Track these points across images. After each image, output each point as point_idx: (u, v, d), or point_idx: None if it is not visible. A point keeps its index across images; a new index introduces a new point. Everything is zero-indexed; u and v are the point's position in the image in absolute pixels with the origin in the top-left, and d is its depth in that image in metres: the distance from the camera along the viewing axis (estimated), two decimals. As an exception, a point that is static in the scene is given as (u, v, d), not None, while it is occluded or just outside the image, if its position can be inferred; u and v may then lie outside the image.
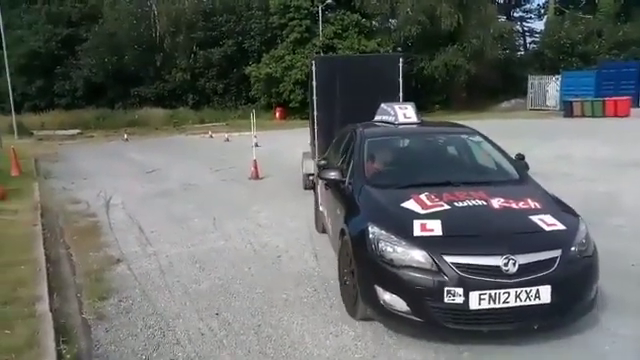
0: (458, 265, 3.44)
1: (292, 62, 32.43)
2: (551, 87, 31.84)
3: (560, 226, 3.78)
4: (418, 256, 3.53)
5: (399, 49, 33.07)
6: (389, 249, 3.65)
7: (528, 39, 47.56)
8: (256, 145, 16.14)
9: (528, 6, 47.72)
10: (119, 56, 36.00)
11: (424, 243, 3.58)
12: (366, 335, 3.85)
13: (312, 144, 10.16)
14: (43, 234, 6.46)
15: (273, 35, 35.61)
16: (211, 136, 23.34)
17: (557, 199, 4.38)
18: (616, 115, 23.84)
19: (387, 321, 3.79)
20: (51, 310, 4.04)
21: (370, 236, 3.79)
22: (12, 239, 6.20)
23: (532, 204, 4.03)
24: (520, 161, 5.11)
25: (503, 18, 41.33)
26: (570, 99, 26.63)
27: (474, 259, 3.46)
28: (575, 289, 3.62)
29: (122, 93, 36.46)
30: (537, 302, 3.42)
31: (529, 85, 32.99)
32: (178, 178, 11.82)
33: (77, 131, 29.43)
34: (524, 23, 47.75)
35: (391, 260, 3.61)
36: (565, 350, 3.57)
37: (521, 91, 33.98)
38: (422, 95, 33.09)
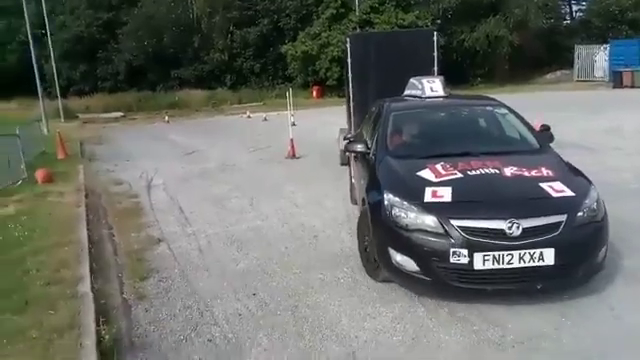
0: (464, 228, 3.67)
1: (328, 39, 31.96)
2: (599, 57, 30.29)
3: (568, 192, 3.95)
4: (428, 220, 3.78)
5: (438, 21, 32.02)
6: (402, 214, 3.92)
7: (574, 7, 45.08)
8: (293, 124, 16.09)
9: (577, -27, 45.15)
10: (158, 39, 36.38)
11: (434, 208, 3.84)
12: (405, 317, 3.77)
13: (348, 120, 10.16)
14: (87, 215, 6.63)
15: (308, 12, 35.14)
16: (249, 116, 23.39)
17: (573, 167, 4.54)
18: (669, 84, 22.51)
19: (400, 280, 4.06)
20: (92, 291, 4.14)
21: (385, 203, 4.06)
22: (57, 221, 6.40)
23: (545, 172, 4.20)
24: (543, 132, 5.28)
25: (547, -14, 39.35)
26: (619, 69, 25.31)
27: (479, 222, 3.69)
28: (580, 252, 3.77)
29: (162, 75, 36.92)
30: (540, 264, 3.62)
31: (575, 55, 31.49)
32: (217, 159, 11.90)
33: (120, 114, 30.11)
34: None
35: (404, 225, 3.88)
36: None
37: (567, 62, 32.46)
38: (463, 69, 32.17)
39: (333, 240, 5.51)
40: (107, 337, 3.45)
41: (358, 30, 29.45)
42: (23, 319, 3.73)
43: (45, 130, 20.49)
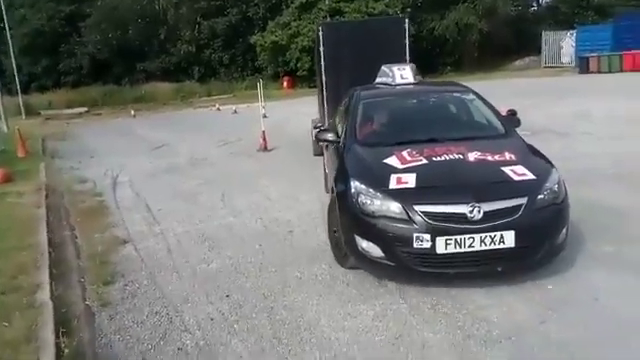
0: (427, 213, 3.72)
1: (298, 29, 31.56)
2: (566, 43, 30.70)
3: (529, 176, 4.01)
4: (393, 207, 3.83)
5: (408, 10, 31.93)
6: (368, 202, 3.96)
7: (542, -5, 45.69)
8: (264, 116, 15.81)
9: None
10: (123, 31, 35.40)
11: (398, 195, 3.89)
12: (386, 315, 3.60)
13: (321, 111, 10.06)
14: (47, 216, 6.25)
15: (278, 1, 34.62)
16: (218, 109, 22.95)
17: (536, 151, 4.63)
18: (635, 69, 22.94)
19: (366, 266, 4.12)
20: (52, 299, 3.83)
21: (352, 190, 4.10)
22: (16, 223, 6.01)
23: (508, 156, 4.27)
24: (509, 117, 5.34)
25: (514, -28, 39.61)
26: (585, 55, 25.70)
27: (442, 207, 3.74)
28: (540, 234, 3.82)
29: (128, 69, 35.96)
30: (501, 246, 3.67)
31: (543, 42, 31.83)
32: (186, 153, 11.56)
33: (84, 109, 29.19)
34: (537, -23, 45.75)
35: (369, 212, 3.92)
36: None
37: (535, 48, 32.81)
38: (433, 57, 32.24)
39: (309, 235, 5.30)
40: (67, 350, 3.17)
41: (328, 19, 29.15)
42: (-28, 334, 3.41)
43: (4, 127, 19.66)
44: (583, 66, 25.05)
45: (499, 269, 3.77)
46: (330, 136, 5.39)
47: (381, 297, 3.87)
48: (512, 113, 5.50)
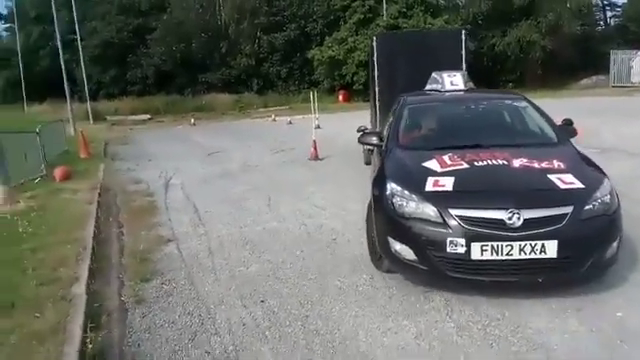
0: (462, 217, 3.58)
1: (355, 44, 31.60)
2: (636, 62, 29.16)
3: (578, 184, 3.81)
4: (427, 209, 3.72)
5: (468, 26, 31.33)
6: (403, 203, 3.87)
7: (609, 13, 43.61)
8: (318, 127, 15.75)
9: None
10: (186, 44, 36.69)
11: (433, 197, 3.78)
12: (431, 333, 3.30)
13: (372, 121, 10.00)
14: (97, 213, 6.34)
15: (336, 17, 34.92)
16: (274, 119, 23.24)
17: (589, 160, 4.40)
18: None
19: (399, 269, 4.00)
20: (87, 292, 3.79)
21: (387, 192, 4.02)
22: (66, 218, 6.14)
23: (557, 164, 4.08)
24: (564, 126, 5.12)
25: (581, -9, 38.05)
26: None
27: (479, 212, 3.59)
28: (586, 246, 3.60)
29: (190, 80, 37.18)
30: (542, 256, 3.48)
31: (611, 61, 30.33)
32: (239, 160, 11.63)
33: (147, 116, 30.33)
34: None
35: (404, 214, 3.83)
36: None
37: (602, 68, 31.28)
38: (494, 74, 31.37)
39: (353, 244, 5.06)
40: (92, 345, 3.09)
41: (386, 34, 28.99)
42: (4, 322, 3.39)
43: (72, 131, 20.65)
44: (656, 86, 23.59)
45: (540, 280, 3.57)
46: (374, 139, 5.33)
47: (426, 313, 3.58)
48: (568, 123, 5.28)
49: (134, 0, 39.13)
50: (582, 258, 3.58)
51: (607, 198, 3.79)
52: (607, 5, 43.16)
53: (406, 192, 3.92)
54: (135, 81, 38.37)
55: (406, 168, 4.38)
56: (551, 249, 3.47)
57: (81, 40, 35.89)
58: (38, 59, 39.72)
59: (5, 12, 45.65)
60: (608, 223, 3.74)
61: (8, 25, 45.79)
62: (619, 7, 40.60)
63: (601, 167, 4.29)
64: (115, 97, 35.94)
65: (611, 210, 3.77)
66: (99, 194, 7.65)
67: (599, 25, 41.63)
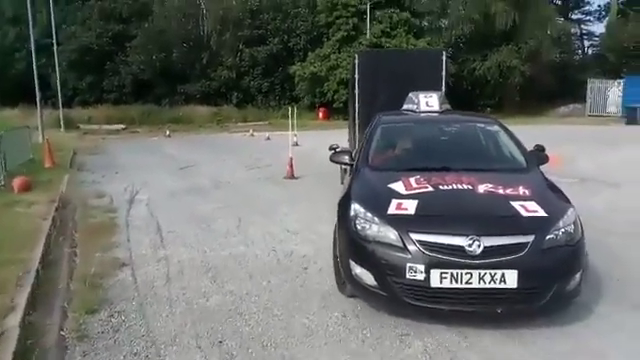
0: (423, 243, 3.48)
1: (337, 61, 31.59)
2: (612, 92, 29.72)
3: (541, 213, 3.71)
4: (389, 233, 3.61)
5: (450, 49, 31.65)
6: (366, 226, 3.75)
7: (586, 42, 44.72)
8: (296, 144, 15.46)
9: (587, 8, 44.60)
10: (167, 53, 36.15)
11: (395, 221, 3.67)
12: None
13: (351, 139, 9.94)
14: (49, 230, 5.85)
15: (319, 33, 34.93)
16: (252, 134, 22.90)
17: (555, 188, 4.34)
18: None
19: (360, 294, 3.86)
20: (22, 325, 3.33)
21: (351, 213, 3.91)
22: (15, 235, 5.62)
23: (522, 191, 4.00)
24: (535, 152, 5.07)
25: (561, 20, 38.91)
26: (635, 105, 24.63)
27: (439, 238, 3.48)
28: (548, 277, 3.50)
29: (169, 90, 36.57)
30: (502, 286, 3.38)
31: (588, 90, 30.94)
32: (211, 175, 11.22)
33: (122, 126, 29.64)
34: (582, 25, 44.77)
35: (365, 236, 3.71)
36: None
37: (579, 96, 31.87)
38: (473, 98, 31.64)
39: (325, 274, 4.69)
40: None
41: (368, 52, 29.03)
42: None
43: (40, 138, 19.90)
44: (631, 117, 24.02)
45: (499, 310, 3.45)
46: (345, 158, 5.24)
47: (403, 360, 3.23)
48: (540, 149, 5.25)
49: (115, 6, 38.53)
50: (543, 289, 3.47)
51: (571, 228, 3.68)
52: (585, 34, 44.41)
53: (369, 214, 3.81)
54: (112, 89, 37.54)
55: (372, 189, 4.30)
56: (511, 279, 3.36)
57: (59, 44, 35.13)
58: (13, 62, 38.60)
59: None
60: (571, 254, 3.64)
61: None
62: (597, 37, 41.69)
63: (567, 195, 4.20)
64: (90, 105, 35.05)
65: (574, 240, 3.67)
66: (56, 208, 7.15)
67: (577, 54, 42.63)
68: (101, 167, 12.74)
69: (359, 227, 3.79)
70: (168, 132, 24.76)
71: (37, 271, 4.39)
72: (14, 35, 38.85)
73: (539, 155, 5.00)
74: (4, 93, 35.26)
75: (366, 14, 32.65)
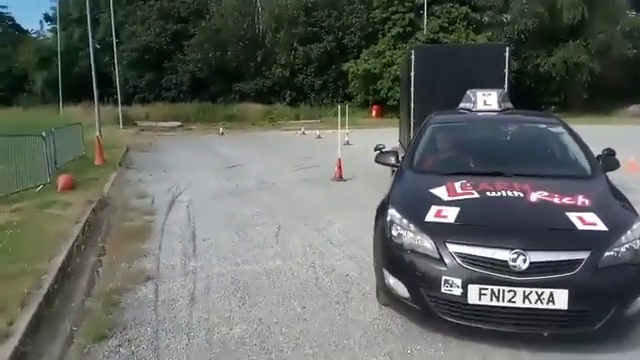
0: (460, 255, 3.19)
1: (392, 58, 30.64)
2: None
3: (600, 226, 3.31)
4: (424, 242, 3.35)
5: (512, 44, 30.01)
6: (402, 233, 3.50)
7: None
8: (347, 143, 14.87)
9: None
10: (222, 52, 36.47)
11: (432, 229, 3.40)
12: None
13: (402, 139, 9.69)
14: (78, 236, 5.50)
15: (374, 30, 34.10)
16: (304, 133, 22.54)
17: (622, 198, 3.86)
18: None
19: (394, 305, 3.64)
20: (14, 356, 2.89)
21: (388, 218, 3.66)
22: (39, 241, 5.30)
23: (581, 201, 3.60)
24: (603, 156, 4.62)
25: (633, 13, 36.08)
26: None
27: (479, 250, 3.18)
28: (604, 299, 3.12)
29: (224, 88, 36.94)
30: (550, 307, 3.04)
31: (664, 87, 28.50)
32: (257, 175, 10.84)
33: (177, 123, 30.04)
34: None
35: (400, 244, 3.47)
36: None
37: (653, 94, 29.41)
38: (536, 95, 29.87)
39: (370, 300, 4.05)
40: None
41: (425, 49, 27.99)
42: None
43: (98, 135, 20.30)
44: None
45: (545, 334, 3.10)
46: (391, 159, 4.87)
47: None
48: (610, 153, 4.83)
49: (174, 5, 39.29)
50: (598, 312, 3.10)
51: (636, 244, 3.23)
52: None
53: (405, 221, 3.53)
54: (170, 87, 38.40)
55: (411, 194, 4.03)
56: (561, 299, 3.01)
57: (121, 43, 36.25)
58: (77, 60, 40.20)
59: (51, 13, 46.57)
60: (634, 273, 3.19)
61: (52, 26, 46.73)
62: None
63: (634, 207, 3.70)
64: (149, 102, 36.00)
65: (638, 259, 3.21)
66: (93, 210, 6.87)
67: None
68: (150, 165, 12.67)
69: (394, 234, 3.53)
70: (221, 130, 24.82)
71: (51, 285, 4.00)
72: (78, 35, 40.44)
73: (608, 160, 4.54)
74: (68, 90, 36.78)
75: (423, 9, 31.50)
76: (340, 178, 10.00)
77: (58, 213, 6.60)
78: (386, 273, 3.53)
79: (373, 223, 5.24)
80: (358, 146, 14.66)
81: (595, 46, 29.58)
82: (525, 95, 23.60)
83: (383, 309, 3.85)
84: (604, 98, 30.29)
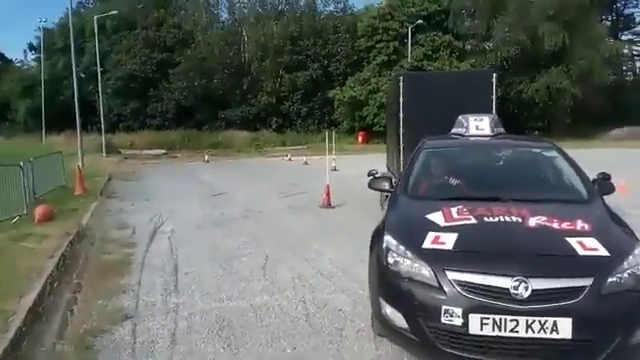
0: (460, 283, 3.08)
1: (378, 85, 30.94)
2: (674, 112, 27.75)
3: (601, 251, 3.21)
4: (422, 269, 3.23)
5: (495, 73, 30.42)
6: (398, 260, 3.37)
7: (638, 63, 42.28)
8: (334, 169, 14.71)
9: (638, 28, 42.25)
10: (208, 79, 36.52)
11: (429, 256, 3.28)
12: None
13: (389, 164, 9.73)
14: (52, 272, 5.16)
15: (359, 58, 34.51)
16: (290, 159, 22.41)
17: (621, 222, 3.77)
18: None
19: (390, 336, 3.50)
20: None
21: (383, 245, 3.54)
22: (9, 278, 4.96)
23: (580, 225, 3.51)
24: (598, 180, 4.59)
25: (611, 40, 36.92)
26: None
27: (480, 278, 3.06)
28: (609, 327, 3.01)
29: (209, 116, 36.89)
30: (554, 336, 2.92)
31: (646, 111, 29.03)
32: (243, 202, 10.59)
33: (162, 151, 29.77)
34: (634, 47, 42.36)
35: (397, 272, 3.34)
36: None
37: (635, 118, 29.88)
38: (520, 121, 30.18)
39: (365, 339, 3.77)
40: None
41: (410, 76, 28.27)
42: None
43: (80, 164, 19.89)
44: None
45: None
46: (385, 185, 4.80)
47: None
48: (605, 177, 4.80)
49: (160, 35, 39.40)
50: (603, 341, 2.97)
51: (638, 270, 3.13)
52: (637, 55, 42.05)
53: (401, 248, 3.40)
54: (155, 115, 38.23)
55: (407, 220, 3.90)
56: (565, 329, 2.89)
57: (106, 72, 36.06)
58: (61, 89, 39.93)
59: (35, 42, 46.38)
60: (637, 301, 3.08)
61: (37, 56, 46.51)
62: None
63: (634, 231, 3.60)
64: (134, 130, 35.70)
65: None
66: (70, 243, 6.53)
67: (628, 76, 40.41)
68: (133, 194, 12.35)
69: (391, 261, 3.39)
70: (207, 157, 24.61)
71: (19, 328, 3.66)
72: (63, 64, 40.24)
73: (604, 184, 4.50)
74: (52, 119, 36.44)
75: (407, 38, 31.96)
76: (329, 205, 9.78)
77: (32, 246, 6.25)
78: (383, 302, 3.39)
79: (365, 253, 5.01)
80: (345, 172, 14.53)
81: (576, 72, 30.16)
82: (509, 121, 23.52)
83: (380, 349, 3.60)
84: (586, 123, 30.77)
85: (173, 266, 5.83)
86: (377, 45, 32.73)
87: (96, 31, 29.13)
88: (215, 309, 4.42)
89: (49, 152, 15.47)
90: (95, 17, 29.48)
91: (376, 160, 14.54)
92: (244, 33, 37.66)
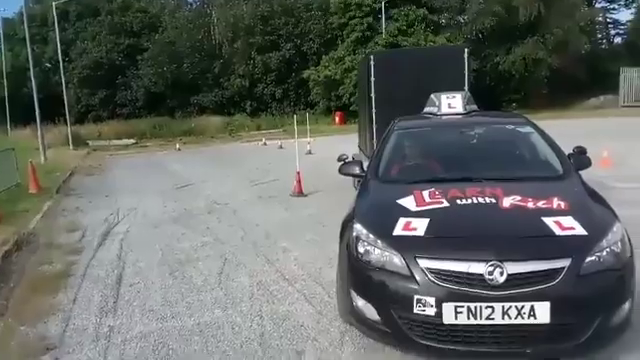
0: (432, 270, 2.95)
1: (352, 63, 30.07)
2: (647, 80, 27.71)
3: (579, 230, 3.08)
4: (393, 258, 3.09)
5: (471, 45, 29.91)
6: (368, 249, 3.24)
7: (612, 31, 42.17)
8: (309, 152, 14.12)
9: (614, -5, 42.01)
10: (178, 64, 35.29)
11: (400, 244, 3.13)
12: None
13: (362, 145, 9.43)
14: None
15: (333, 36, 33.59)
16: (265, 143, 21.69)
17: (599, 198, 3.65)
18: None
19: (362, 328, 3.35)
20: None
21: (353, 234, 3.40)
22: None
23: (556, 204, 3.39)
24: (574, 155, 4.47)
25: (586, 8, 36.55)
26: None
27: (452, 264, 2.93)
28: (588, 309, 2.91)
29: (181, 102, 35.80)
30: (532, 321, 2.81)
31: (621, 79, 29.11)
32: (209, 195, 9.91)
33: (132, 141, 28.74)
34: (608, 14, 42.13)
35: (367, 262, 3.21)
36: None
37: (610, 86, 29.85)
38: (497, 94, 29.83)
39: (329, 362, 3.19)
40: None
41: (385, 52, 27.57)
42: None
43: (42, 159, 18.89)
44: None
45: (527, 351, 2.90)
46: (356, 169, 4.60)
47: None
48: (581, 151, 4.76)
49: (126, 20, 37.92)
50: (582, 324, 2.92)
51: (617, 247, 3.06)
52: (610, 23, 41.88)
53: (371, 236, 3.26)
54: (124, 103, 37.02)
55: (378, 206, 3.73)
56: (542, 313, 2.81)
57: (71, 61, 34.62)
58: (26, 81, 38.26)
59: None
60: (617, 279, 3.03)
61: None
62: (623, 25, 39.32)
63: (612, 207, 3.48)
64: (103, 120, 34.45)
65: (621, 263, 3.04)
66: (6, 253, 5.81)
67: (602, 44, 40.27)
68: (92, 190, 11.57)
69: (361, 251, 3.26)
70: (178, 146, 23.78)
71: None
72: (26, 55, 38.52)
73: (579, 159, 4.37)
74: (17, 112, 34.92)
75: (381, 13, 31.14)
76: (300, 193, 9.18)
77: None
78: (354, 294, 3.24)
79: (334, 249, 4.40)
80: (321, 155, 13.94)
81: (552, 42, 29.75)
82: (486, 94, 23.29)
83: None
84: (564, 93, 30.53)
85: (117, 276, 5.15)
86: (350, 22, 31.83)
87: (55, 19, 27.77)
88: (155, 332, 3.76)
89: (11, 147, 14.51)
90: (54, 3, 28.00)
91: (353, 141, 13.98)
92: (213, 14, 36.35)
